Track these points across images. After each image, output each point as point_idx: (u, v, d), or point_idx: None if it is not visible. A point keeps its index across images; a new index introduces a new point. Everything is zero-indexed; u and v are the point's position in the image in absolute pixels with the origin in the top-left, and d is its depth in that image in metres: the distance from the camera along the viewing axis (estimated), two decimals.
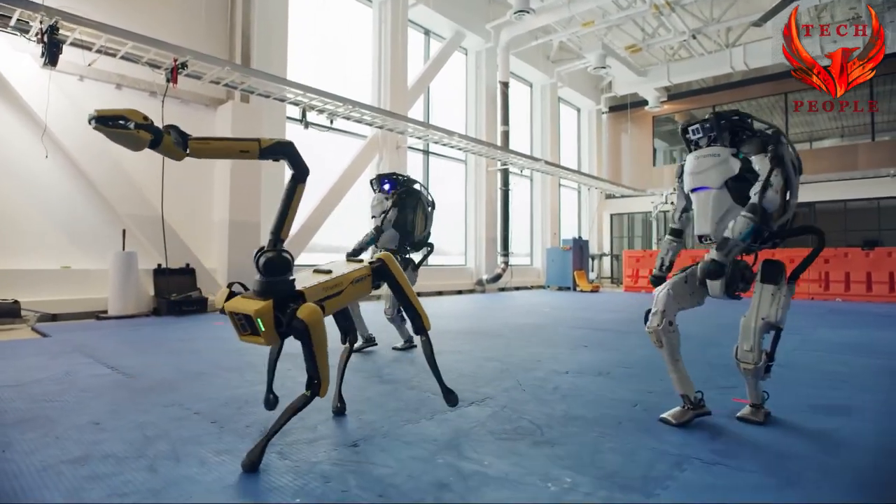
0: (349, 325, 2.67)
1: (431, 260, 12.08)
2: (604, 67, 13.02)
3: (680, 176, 3.04)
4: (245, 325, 2.00)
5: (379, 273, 2.46)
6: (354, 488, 1.79)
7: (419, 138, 10.55)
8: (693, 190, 2.79)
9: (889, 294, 10.50)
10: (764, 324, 2.60)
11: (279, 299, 1.98)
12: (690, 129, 2.84)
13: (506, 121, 12.94)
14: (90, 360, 3.89)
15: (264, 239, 9.10)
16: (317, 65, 9.98)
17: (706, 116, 2.79)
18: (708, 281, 2.80)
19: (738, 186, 2.71)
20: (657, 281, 3.04)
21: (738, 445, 2.29)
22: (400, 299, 2.53)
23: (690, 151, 2.92)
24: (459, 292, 12.46)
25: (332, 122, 8.32)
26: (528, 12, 10.00)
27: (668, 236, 3.12)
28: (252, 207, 8.08)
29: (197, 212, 7.85)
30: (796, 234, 2.99)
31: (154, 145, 1.79)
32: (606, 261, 18.15)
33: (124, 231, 6.80)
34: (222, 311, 2.15)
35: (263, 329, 1.94)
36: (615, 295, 12.97)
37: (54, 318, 6.20)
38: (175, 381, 3.31)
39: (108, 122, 1.70)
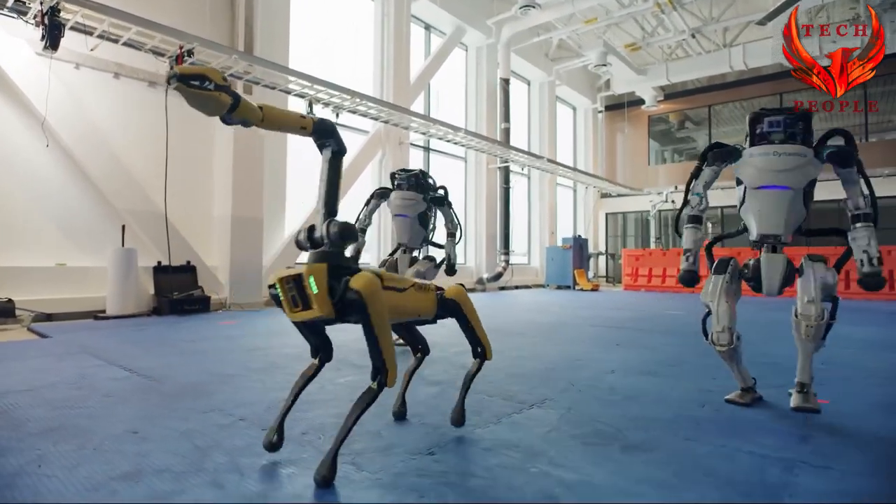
0: (416, 337, 2.47)
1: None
2: (605, 65, 12.95)
3: (721, 161, 2.85)
4: (296, 296, 1.77)
5: (448, 309, 2.20)
6: None
7: (423, 134, 10.34)
8: (763, 187, 2.63)
9: (890, 292, 10.58)
10: (822, 282, 2.53)
11: (334, 267, 1.76)
12: (767, 119, 2.67)
13: (506, 118, 12.80)
14: (102, 363, 3.61)
15: (268, 235, 8.78)
16: (318, 59, 9.70)
17: (788, 108, 2.66)
18: (765, 279, 2.70)
19: (810, 190, 2.63)
20: (689, 276, 2.84)
21: (836, 446, 2.14)
22: (468, 332, 2.30)
23: (752, 144, 2.76)
24: None
25: (337, 115, 8.07)
26: (533, 7, 9.87)
27: (690, 225, 2.90)
28: (255, 203, 7.79)
29: (197, 207, 7.53)
30: (825, 234, 2.95)
31: (232, 109, 1.58)
32: (601, 259, 18.13)
33: (123, 227, 6.48)
34: (272, 286, 1.90)
35: (316, 291, 1.70)
36: (616, 294, 12.91)
37: (49, 317, 5.85)
38: (203, 384, 3.07)
39: (189, 82, 1.48)
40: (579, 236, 15.02)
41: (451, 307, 2.22)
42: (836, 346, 4.64)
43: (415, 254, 4.55)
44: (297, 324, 1.97)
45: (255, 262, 7.79)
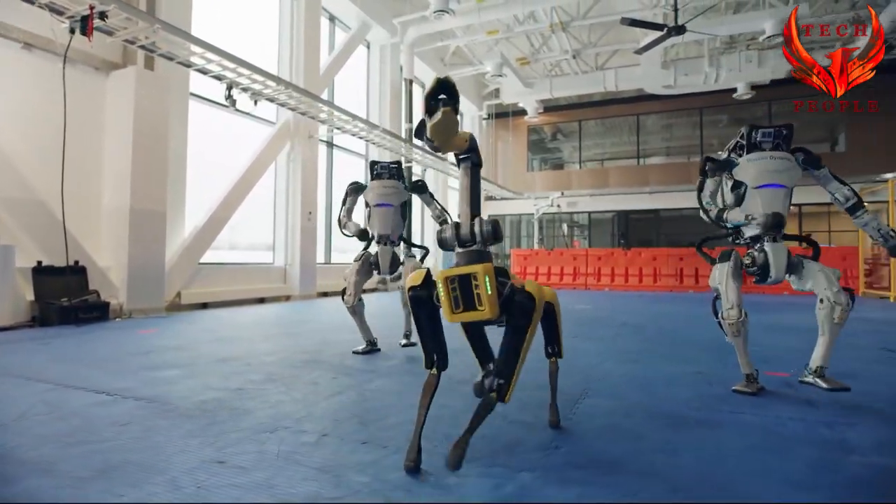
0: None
1: (336, 259, 11.56)
2: (501, 75, 13.71)
3: (721, 171, 3.26)
4: (459, 297, 1.73)
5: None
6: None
7: (339, 129, 9.95)
8: (765, 185, 3.12)
9: None
10: (836, 275, 3.00)
11: (496, 267, 1.78)
12: (761, 130, 3.14)
13: (410, 118, 12.87)
14: (51, 386, 2.94)
15: (171, 231, 7.87)
16: (222, 42, 8.78)
17: (782, 124, 3.15)
18: (774, 266, 3.11)
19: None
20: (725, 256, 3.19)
21: (835, 406, 2.64)
22: (552, 331, 2.34)
23: (748, 152, 3.17)
24: (363, 291, 12.01)
25: (256, 103, 7.40)
26: (447, 12, 10.08)
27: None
28: (157, 194, 6.80)
29: (83, 198, 6.34)
30: (798, 239, 3.57)
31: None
32: None
33: None
34: (416, 288, 1.85)
35: (489, 291, 1.68)
36: None
37: None
38: (219, 400, 2.68)
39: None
40: None
41: (545, 309, 2.27)
42: (784, 333, 5.47)
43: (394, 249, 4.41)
44: (424, 332, 1.90)
45: (157, 262, 6.81)
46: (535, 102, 16.53)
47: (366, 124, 10.06)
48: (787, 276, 3.14)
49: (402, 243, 4.56)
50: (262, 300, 9.06)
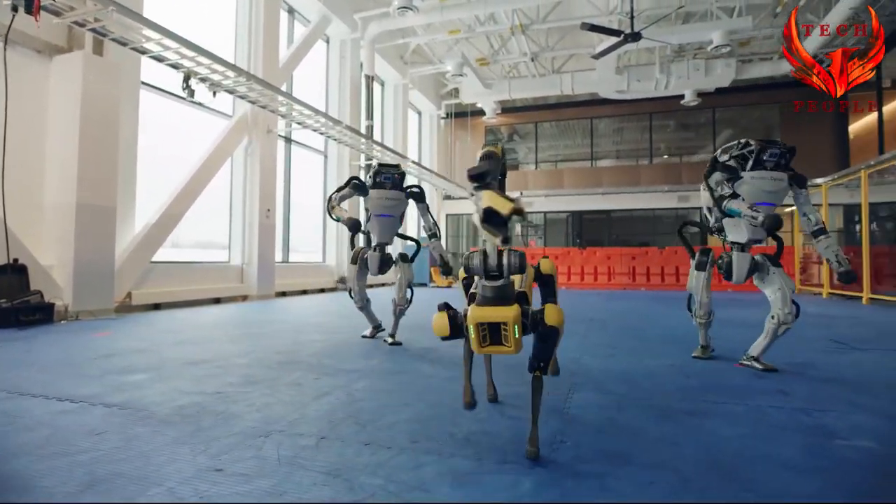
0: None
1: (292, 258, 11.51)
2: (461, 75, 13.75)
3: (728, 174, 3.39)
4: (488, 335, 1.81)
5: (541, 279, 2.30)
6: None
7: (300, 124, 9.65)
8: (760, 203, 3.26)
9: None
10: (791, 293, 3.29)
11: (521, 303, 1.85)
12: (770, 151, 3.24)
13: (370, 115, 12.70)
14: (4, 394, 2.69)
15: (121, 227, 7.48)
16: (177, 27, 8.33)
17: (786, 145, 3.27)
18: (736, 272, 3.41)
19: None
20: (774, 221, 3.17)
21: (806, 396, 2.82)
22: (548, 297, 2.31)
23: (752, 168, 3.30)
24: (322, 290, 11.79)
25: (215, 94, 7.07)
26: (411, 9, 10.00)
27: (733, 199, 3.34)
28: (107, 188, 6.37)
29: (23, 190, 5.85)
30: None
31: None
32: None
33: None
34: (446, 339, 1.93)
35: (517, 336, 1.78)
36: None
37: None
38: (200, 404, 2.54)
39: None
40: None
41: (545, 280, 2.31)
42: (727, 326, 5.73)
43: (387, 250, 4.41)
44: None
45: (107, 260, 6.39)
46: (493, 103, 16.69)
47: (328, 119, 9.82)
48: (754, 275, 3.46)
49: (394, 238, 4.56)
50: (217, 300, 8.68)
